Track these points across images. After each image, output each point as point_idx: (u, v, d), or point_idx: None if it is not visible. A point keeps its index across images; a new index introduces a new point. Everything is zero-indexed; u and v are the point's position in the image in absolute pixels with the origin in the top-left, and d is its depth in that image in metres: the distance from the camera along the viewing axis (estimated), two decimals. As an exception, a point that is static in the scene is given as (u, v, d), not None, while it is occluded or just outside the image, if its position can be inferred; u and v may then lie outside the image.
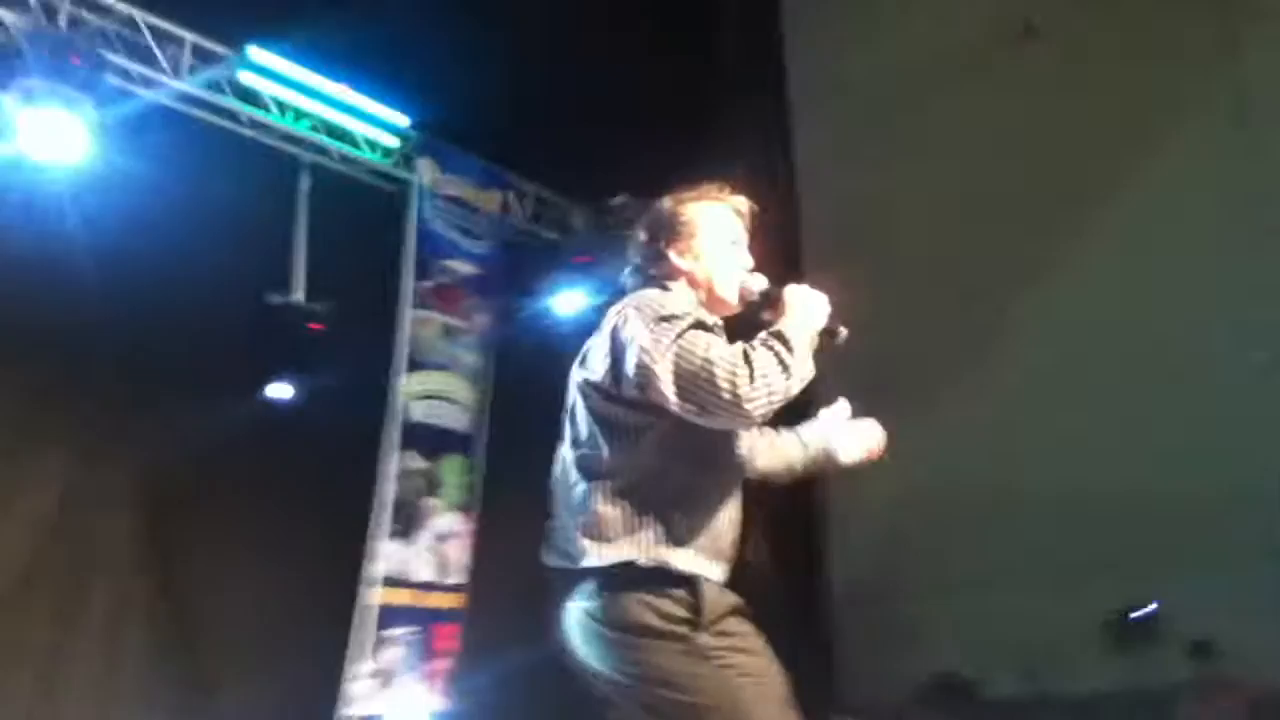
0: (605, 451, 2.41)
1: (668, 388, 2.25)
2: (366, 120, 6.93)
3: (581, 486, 2.43)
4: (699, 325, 2.34)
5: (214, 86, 6.39)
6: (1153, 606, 8.21)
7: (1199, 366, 8.20)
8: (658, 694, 2.35)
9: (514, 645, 6.89)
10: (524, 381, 7.35)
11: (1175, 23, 8.88)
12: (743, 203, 2.68)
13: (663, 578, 2.35)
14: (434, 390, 6.84)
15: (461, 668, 6.75)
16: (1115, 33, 9.06)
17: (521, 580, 7.09)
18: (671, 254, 2.58)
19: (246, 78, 6.44)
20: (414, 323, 6.79)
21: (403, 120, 6.99)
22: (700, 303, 2.55)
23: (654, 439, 2.38)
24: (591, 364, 2.45)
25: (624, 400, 2.38)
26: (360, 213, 7.03)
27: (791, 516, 9.69)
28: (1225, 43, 8.68)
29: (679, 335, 2.29)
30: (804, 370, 2.31)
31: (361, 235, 6.89)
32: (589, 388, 2.45)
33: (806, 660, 9.03)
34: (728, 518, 2.50)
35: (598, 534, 2.38)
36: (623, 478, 2.39)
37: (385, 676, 6.41)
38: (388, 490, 6.51)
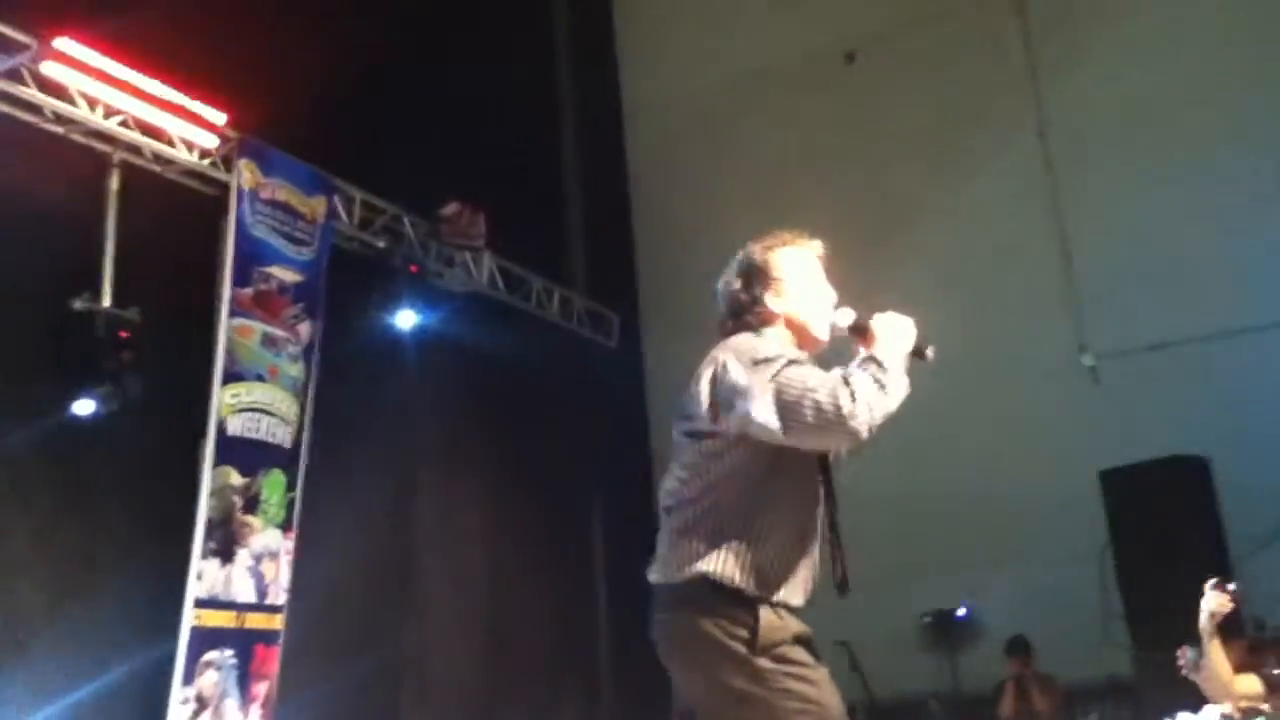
0: (695, 483, 2.65)
1: (771, 421, 2.46)
2: (182, 118, 6.59)
3: (672, 513, 2.68)
4: (793, 362, 2.54)
5: (14, 77, 5.98)
6: (968, 607, 8.56)
7: (1019, 372, 8.64)
8: (718, 709, 2.56)
9: (335, 666, 6.70)
10: (349, 395, 7.15)
11: (984, 49, 9.41)
12: (819, 246, 2.89)
13: (729, 599, 2.54)
14: (253, 403, 6.53)
15: (282, 691, 6.48)
16: (929, 50, 9.55)
17: (341, 599, 6.93)
18: (766, 299, 2.79)
19: (50, 69, 6.04)
20: (232, 331, 6.46)
21: (221, 119, 6.67)
22: (793, 343, 2.75)
23: (739, 471, 2.60)
24: (689, 408, 2.66)
25: (718, 437, 2.61)
26: (175, 215, 6.66)
27: (629, 524, 9.72)
28: (1029, 66, 9.22)
29: (777, 373, 2.49)
30: (900, 388, 2.52)
31: (176, 239, 6.53)
32: (686, 428, 2.69)
33: (647, 667, 9.08)
34: (805, 548, 2.68)
35: (678, 554, 2.61)
36: (706, 505, 2.62)
37: (204, 702, 6.09)
38: (205, 508, 6.18)
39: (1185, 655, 4.45)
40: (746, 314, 2.79)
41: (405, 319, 7.62)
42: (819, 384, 2.45)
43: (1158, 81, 8.72)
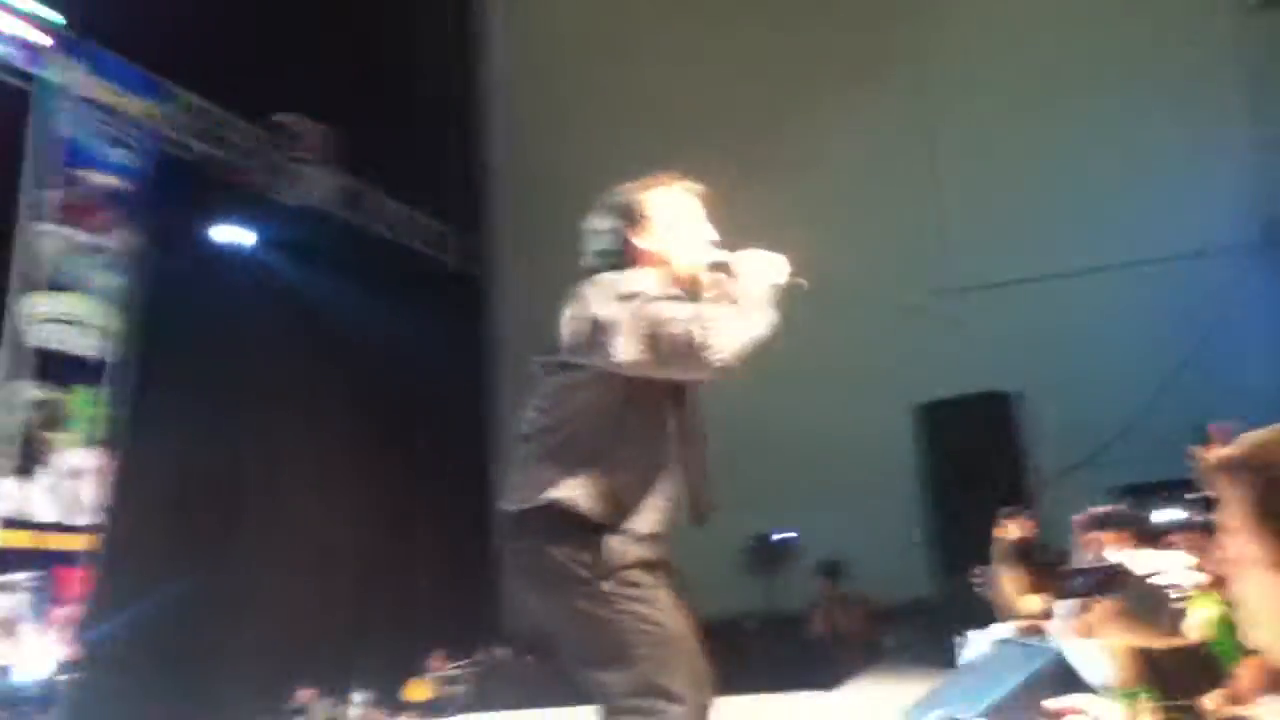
0: (553, 413, 2.70)
1: (632, 354, 2.52)
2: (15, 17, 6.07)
3: (529, 442, 2.72)
4: (656, 298, 2.59)
5: None
6: (788, 532, 8.90)
7: (846, 307, 8.91)
8: (566, 630, 2.66)
9: (154, 589, 6.49)
10: (178, 310, 6.83)
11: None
12: (695, 185, 2.89)
13: (576, 526, 2.60)
14: (61, 314, 6.17)
15: (92, 614, 6.24)
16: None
17: (165, 522, 6.68)
18: (634, 238, 2.80)
19: None
20: (36, 238, 6.06)
21: (60, 20, 6.18)
22: (661, 281, 2.74)
23: (599, 402, 2.65)
24: (552, 339, 2.68)
25: (579, 370, 2.65)
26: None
27: (463, 447, 9.68)
28: (907, 16, 9.44)
29: (639, 308, 2.55)
30: (761, 320, 2.59)
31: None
32: (548, 360, 2.71)
33: (470, 590, 9.12)
34: (657, 478, 2.72)
35: (532, 482, 2.66)
36: (562, 436, 2.67)
37: (6, 625, 5.82)
38: (5, 423, 5.85)
39: (981, 576, 4.74)
40: (612, 253, 2.83)
41: (239, 232, 7.32)
42: (679, 318, 2.51)
43: (1023, 18, 9.06)
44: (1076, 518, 3.91)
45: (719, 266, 2.76)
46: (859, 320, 8.95)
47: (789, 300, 2.75)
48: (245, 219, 7.34)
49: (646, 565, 2.67)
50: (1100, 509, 3.95)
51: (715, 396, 2.94)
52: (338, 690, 7.46)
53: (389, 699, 7.62)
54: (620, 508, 2.66)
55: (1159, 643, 1.55)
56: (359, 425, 8.52)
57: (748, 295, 2.61)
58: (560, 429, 2.68)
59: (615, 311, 2.58)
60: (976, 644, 4.71)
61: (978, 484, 7.14)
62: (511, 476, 2.77)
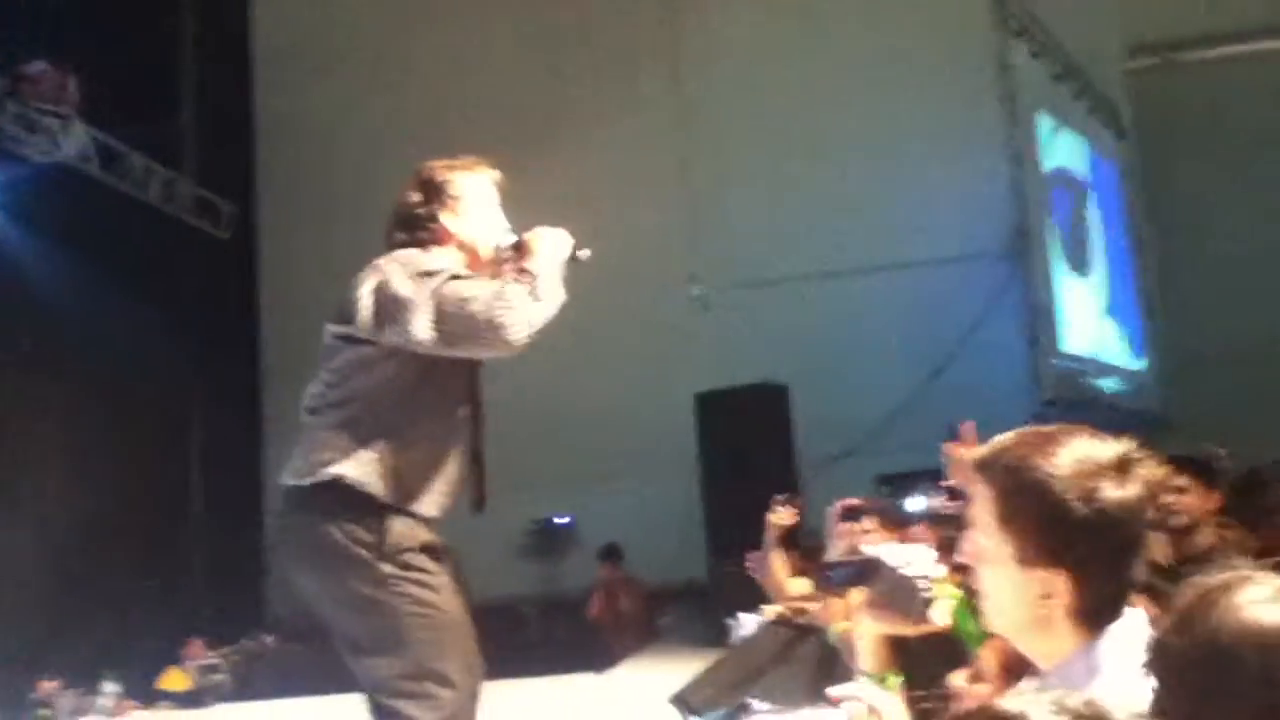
0: (343, 388, 2.67)
1: (429, 332, 2.53)
2: None
3: (316, 416, 2.68)
4: (456, 276, 2.62)
5: None
6: (570, 517, 9.00)
7: (632, 296, 9.06)
8: (340, 612, 2.62)
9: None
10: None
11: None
12: (497, 173, 2.93)
13: (360, 504, 2.58)
14: None
15: None
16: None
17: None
18: (442, 217, 2.80)
19: None
20: None
21: None
22: (462, 263, 2.77)
23: (388, 381, 2.64)
24: (346, 313, 2.65)
25: (373, 345, 2.63)
26: None
27: (231, 427, 9.29)
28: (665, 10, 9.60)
29: (438, 286, 2.56)
30: (555, 296, 2.65)
31: None
32: (341, 333, 2.67)
33: (234, 575, 8.78)
34: (445, 460, 2.71)
35: (316, 457, 2.62)
36: (352, 412, 2.64)
37: None
38: None
39: (753, 560, 4.93)
40: (420, 230, 2.82)
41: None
42: (476, 296, 2.55)
43: (787, 20, 9.36)
44: (830, 508, 4.11)
45: (515, 247, 2.80)
46: (639, 312, 9.14)
47: (572, 288, 2.83)
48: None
49: (429, 549, 2.65)
50: (852, 500, 4.18)
51: (496, 381, 2.97)
52: (86, 681, 7.04)
53: (143, 689, 7.25)
54: (407, 488, 2.63)
55: (909, 630, 1.67)
56: (117, 400, 8.02)
57: (541, 273, 2.64)
58: (349, 404, 2.66)
59: (414, 289, 2.57)
60: (747, 625, 4.91)
61: (750, 471, 7.40)
62: (296, 451, 2.72)
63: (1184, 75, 12.18)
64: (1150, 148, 12.02)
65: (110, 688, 6.95)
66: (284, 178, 10.04)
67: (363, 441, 2.61)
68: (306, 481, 2.63)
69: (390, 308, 2.60)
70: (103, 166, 8.07)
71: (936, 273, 9.17)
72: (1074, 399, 9.60)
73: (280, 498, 2.74)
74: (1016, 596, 1.45)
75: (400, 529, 2.60)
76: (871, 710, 0.92)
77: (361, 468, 2.59)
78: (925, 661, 1.96)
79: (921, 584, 1.65)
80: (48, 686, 6.94)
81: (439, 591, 2.64)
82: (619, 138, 9.47)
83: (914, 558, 1.68)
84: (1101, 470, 1.41)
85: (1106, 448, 1.44)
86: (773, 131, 9.36)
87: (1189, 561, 3.09)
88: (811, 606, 4.21)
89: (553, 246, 2.73)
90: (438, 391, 2.71)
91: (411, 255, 2.74)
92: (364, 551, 2.56)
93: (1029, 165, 9.78)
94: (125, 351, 8.01)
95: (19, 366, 7.44)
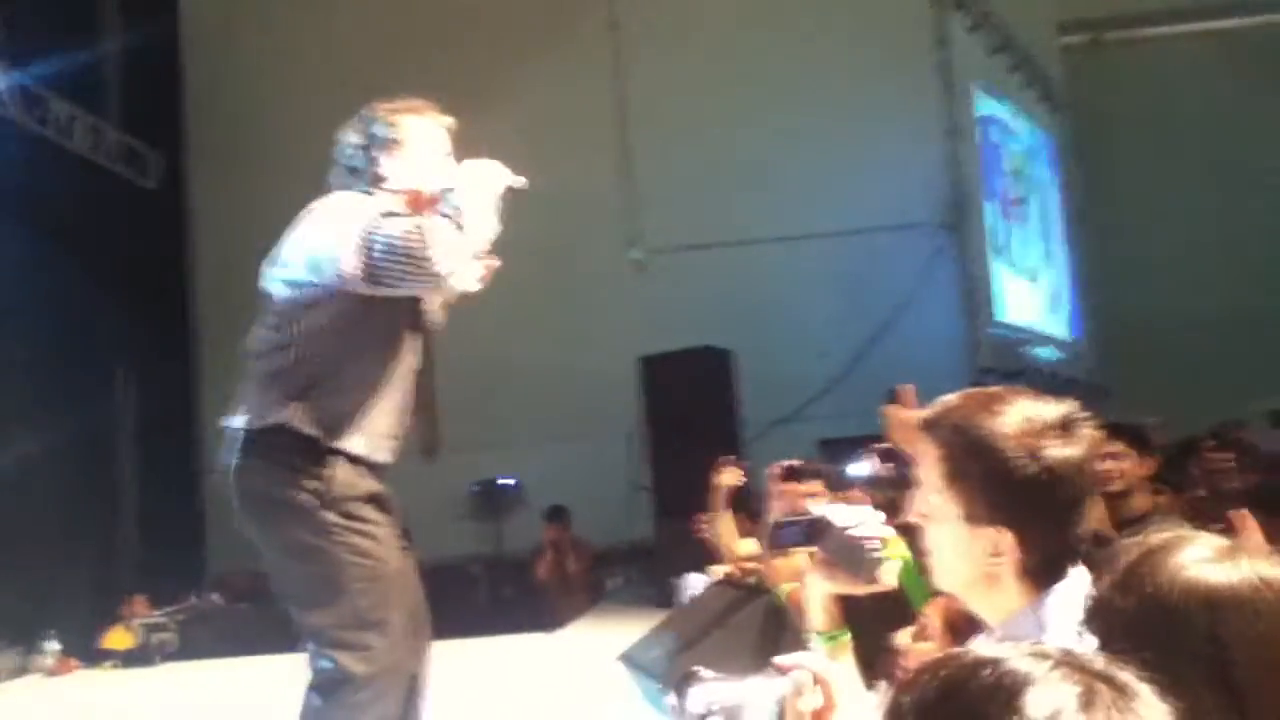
0: (284, 331, 2.64)
1: (357, 270, 2.51)
2: None
3: (259, 360, 2.66)
4: (387, 214, 2.59)
5: None
6: (514, 478, 9.04)
7: (573, 260, 9.10)
8: (279, 559, 2.62)
9: None
10: None
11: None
12: (449, 120, 2.90)
13: (305, 450, 2.56)
14: None
15: None
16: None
17: None
18: (384, 161, 2.77)
19: None
20: None
21: None
22: (402, 206, 2.73)
23: (330, 323, 2.61)
24: (284, 256, 2.66)
25: (311, 288, 2.61)
26: None
27: (167, 379, 9.15)
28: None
29: (367, 225, 2.54)
30: (482, 228, 2.64)
31: None
32: (281, 276, 2.66)
33: (178, 533, 8.69)
34: (392, 404, 2.69)
35: (260, 401, 2.61)
36: (293, 355, 2.61)
37: None
38: None
39: (701, 521, 5.05)
40: (359, 172, 2.79)
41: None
42: (399, 233, 2.52)
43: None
44: (770, 469, 4.20)
45: (448, 190, 2.74)
46: (585, 275, 9.18)
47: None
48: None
49: (375, 499, 2.65)
50: (792, 461, 4.28)
51: (440, 344, 2.98)
52: (27, 639, 6.97)
53: (86, 648, 7.20)
54: (351, 432, 2.61)
55: (858, 589, 1.74)
56: (37, 360, 7.77)
57: (468, 206, 2.62)
58: (290, 348, 2.62)
59: (342, 229, 2.56)
60: (694, 586, 5.02)
61: (694, 434, 7.50)
62: (238, 394, 2.69)
63: (1118, 51, 12.44)
64: (1086, 121, 12.28)
65: (51, 646, 6.89)
66: (214, 125, 9.85)
67: (306, 385, 2.59)
68: (253, 426, 2.59)
69: (322, 248, 2.58)
70: (21, 110, 7.74)
71: (875, 241, 9.31)
72: (1010, 368, 9.85)
73: (224, 443, 2.68)
74: (964, 554, 1.48)
75: (344, 477, 2.58)
76: (817, 679, 0.98)
77: (306, 412, 2.57)
78: (873, 621, 2.06)
79: (870, 544, 1.71)
80: (-13, 646, 6.87)
81: (381, 542, 2.62)
82: (556, 101, 9.44)
83: (862, 518, 1.75)
84: (1046, 429, 1.44)
85: (1051, 407, 1.47)
86: (711, 97, 9.40)
87: (1125, 524, 3.24)
88: (758, 567, 4.33)
89: (480, 178, 2.70)
90: (379, 336, 2.69)
91: (344, 197, 2.72)
92: (308, 498, 2.54)
93: (965, 137, 9.94)
94: (52, 306, 7.81)
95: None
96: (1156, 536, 1.15)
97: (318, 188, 2.86)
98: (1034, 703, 0.72)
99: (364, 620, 2.55)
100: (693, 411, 7.87)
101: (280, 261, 2.68)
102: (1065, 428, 1.46)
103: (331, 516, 2.55)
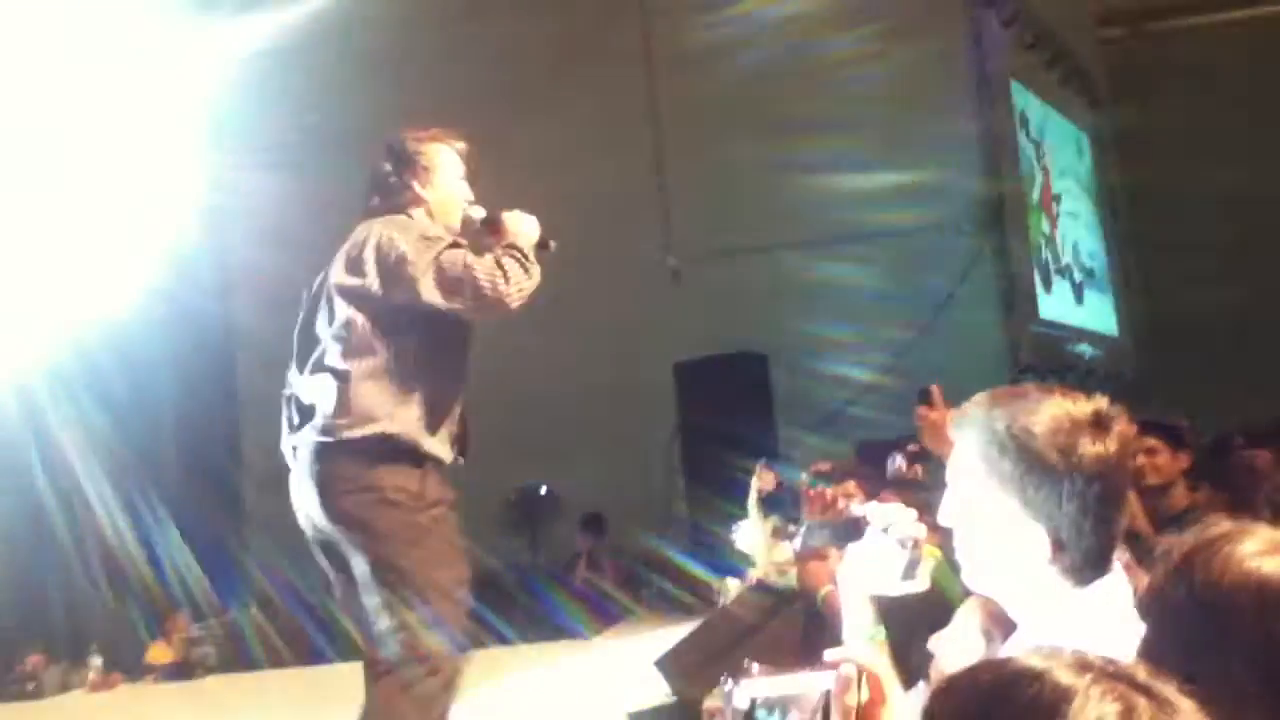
0: (360, 344, 2.84)
1: (433, 294, 2.76)
2: None
3: (333, 374, 2.84)
4: (455, 245, 2.87)
5: None
6: (552, 485, 9.03)
7: (609, 269, 9.08)
8: (377, 553, 2.76)
9: None
10: None
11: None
12: (466, 146, 3.14)
13: (402, 455, 2.79)
14: None
15: None
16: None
17: None
18: (415, 185, 3.03)
19: None
20: None
21: None
22: (442, 229, 2.99)
23: (405, 338, 2.85)
24: (356, 270, 2.87)
25: (386, 303, 2.84)
26: None
27: (208, 395, 9.26)
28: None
29: (441, 251, 2.80)
30: (537, 272, 2.89)
31: None
32: (351, 290, 2.88)
33: (218, 548, 8.76)
34: (454, 410, 2.94)
35: (351, 411, 2.79)
36: (372, 365, 2.83)
37: None
38: None
39: (736, 527, 5.02)
40: (395, 196, 3.03)
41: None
42: (477, 264, 2.79)
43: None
44: (806, 473, 4.18)
45: (490, 223, 3.03)
46: (614, 283, 9.15)
47: (552, 266, 3.02)
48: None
49: (446, 501, 2.88)
50: (823, 463, 4.25)
51: (476, 353, 3.07)
52: (72, 655, 7.05)
53: (130, 663, 7.27)
54: (433, 440, 2.86)
55: (894, 589, 1.70)
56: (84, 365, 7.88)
57: (527, 250, 2.90)
58: (369, 358, 2.84)
59: (417, 251, 2.80)
60: (730, 591, 4.98)
61: (731, 440, 7.45)
62: (321, 404, 2.86)
63: (1157, 44, 12.26)
64: (1124, 116, 12.11)
65: (97, 661, 6.96)
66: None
67: (395, 395, 2.82)
68: (355, 434, 2.78)
69: (396, 269, 2.80)
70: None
71: (912, 242, 9.22)
72: (1051, 366, 9.72)
73: (309, 450, 2.84)
74: (999, 554, 1.46)
75: (434, 481, 2.84)
76: (865, 673, 0.95)
77: (402, 421, 2.80)
78: (910, 622, 2.01)
79: (906, 544, 1.67)
80: (34, 661, 6.95)
81: (457, 547, 2.87)
82: (590, 111, 9.45)
83: (897, 518, 1.71)
84: (1079, 426, 1.41)
85: (1083, 404, 1.44)
86: (745, 101, 9.36)
87: (1165, 521, 3.17)
88: (794, 571, 4.28)
89: (526, 228, 2.97)
90: (448, 349, 2.94)
91: (407, 220, 2.96)
92: (406, 500, 2.77)
93: (1002, 134, 9.83)
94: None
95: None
96: (1216, 528, 1.10)
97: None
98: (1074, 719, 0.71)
99: (436, 623, 2.76)
100: (729, 417, 7.82)
101: (350, 277, 2.90)
102: (1099, 424, 1.43)
103: (423, 519, 2.79)
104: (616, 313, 9.07)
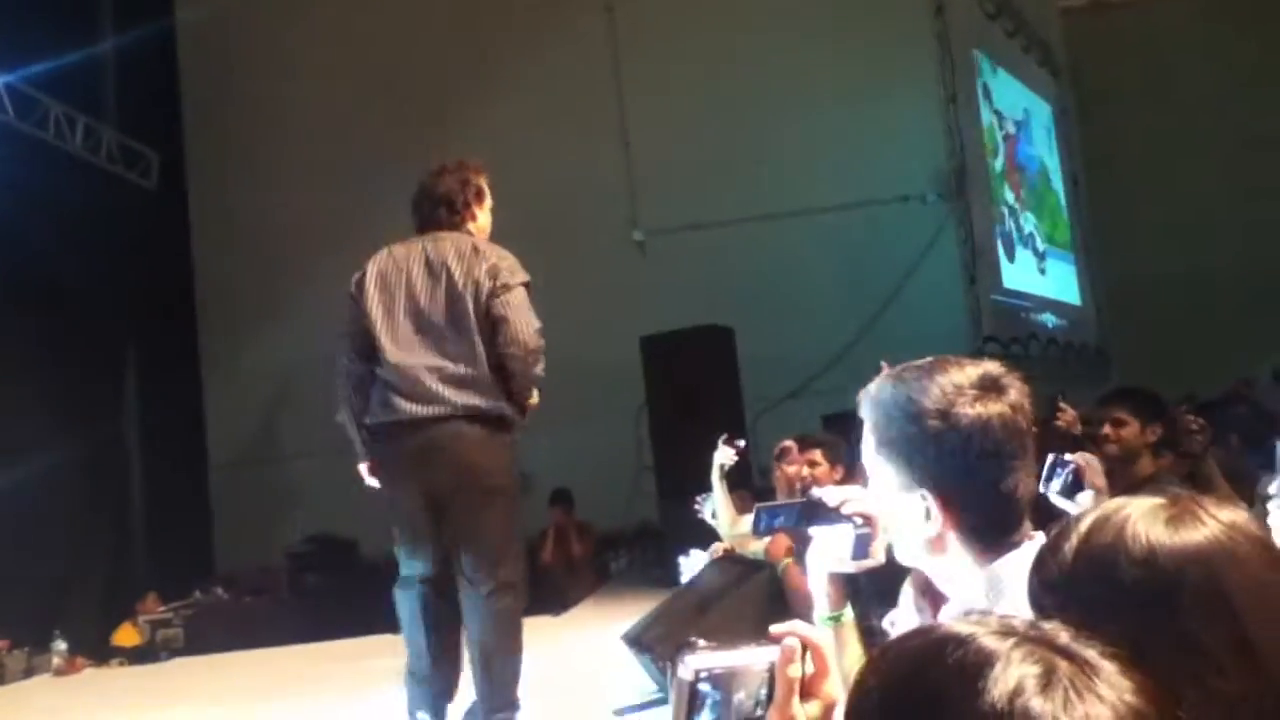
0: (479, 340, 3.59)
1: (536, 338, 3.67)
2: None
3: (457, 361, 3.59)
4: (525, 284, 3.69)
5: None
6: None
7: (575, 242, 9.06)
8: (477, 500, 3.56)
9: None
10: None
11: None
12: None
13: (509, 426, 3.70)
14: None
15: None
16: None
17: None
18: (477, 211, 3.75)
19: None
20: None
21: None
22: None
23: (493, 351, 3.65)
24: (489, 273, 3.60)
25: (493, 306, 3.60)
26: None
27: (174, 380, 9.18)
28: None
29: (526, 285, 3.71)
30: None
31: None
32: (480, 286, 3.60)
33: (187, 527, 8.70)
34: None
35: (480, 390, 3.60)
36: (487, 358, 3.60)
37: None
38: None
39: (700, 500, 5.02)
40: (460, 216, 3.69)
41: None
42: (535, 323, 3.72)
43: None
44: (777, 447, 4.21)
45: None
46: (586, 257, 9.13)
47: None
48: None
49: None
50: (787, 441, 4.28)
51: None
52: (36, 639, 6.99)
53: (95, 645, 7.22)
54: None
55: (851, 567, 1.71)
56: (46, 355, 7.79)
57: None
58: (487, 352, 3.58)
59: (521, 283, 3.64)
60: (696, 562, 5.01)
61: (698, 413, 7.44)
62: (450, 386, 3.56)
63: (1117, 16, 12.32)
64: (1086, 85, 12.18)
65: (60, 645, 6.91)
66: (213, 125, 9.82)
67: (498, 380, 3.60)
68: (481, 406, 3.55)
69: (509, 281, 3.59)
70: (17, 114, 7.70)
71: (876, 213, 9.26)
72: (1013, 335, 9.80)
73: (431, 422, 3.55)
74: (903, 522, 1.48)
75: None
76: (808, 645, 0.96)
77: (504, 398, 3.62)
78: (870, 597, 2.03)
79: (858, 521, 1.69)
80: (-3, 646, 6.89)
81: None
82: (555, 86, 9.39)
83: (851, 495, 1.72)
84: (960, 390, 1.42)
85: (970, 369, 1.46)
86: (708, 75, 9.34)
87: (1128, 490, 3.19)
88: (758, 543, 4.31)
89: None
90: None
91: (504, 251, 3.67)
92: (508, 460, 3.67)
93: (964, 104, 9.86)
94: (55, 307, 7.80)
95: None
96: (1104, 508, 1.09)
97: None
98: (995, 683, 0.72)
99: (525, 577, 3.81)
100: (696, 390, 7.81)
101: (469, 280, 3.58)
102: (984, 386, 1.44)
103: (511, 481, 3.75)
104: (583, 287, 9.04)
